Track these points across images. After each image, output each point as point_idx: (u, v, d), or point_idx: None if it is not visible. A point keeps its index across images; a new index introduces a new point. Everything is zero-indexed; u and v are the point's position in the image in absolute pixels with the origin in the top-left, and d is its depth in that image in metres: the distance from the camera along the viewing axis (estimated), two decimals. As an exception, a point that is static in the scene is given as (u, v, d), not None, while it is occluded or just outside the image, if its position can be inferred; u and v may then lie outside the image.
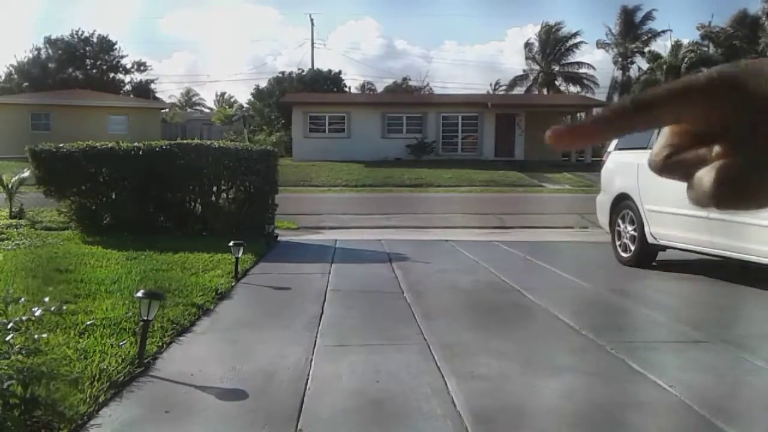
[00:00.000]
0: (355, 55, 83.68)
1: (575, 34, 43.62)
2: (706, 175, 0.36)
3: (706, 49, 32.84)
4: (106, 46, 44.37)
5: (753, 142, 0.35)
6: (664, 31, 41.82)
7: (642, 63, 41.71)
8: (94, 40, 43.79)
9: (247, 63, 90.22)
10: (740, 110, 0.35)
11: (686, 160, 0.38)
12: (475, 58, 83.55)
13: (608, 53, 44.25)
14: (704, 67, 30.02)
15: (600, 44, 43.76)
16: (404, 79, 50.56)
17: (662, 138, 0.39)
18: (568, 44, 43.84)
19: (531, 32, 47.79)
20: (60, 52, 42.25)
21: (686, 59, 31.84)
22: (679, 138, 0.38)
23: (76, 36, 43.38)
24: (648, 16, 41.76)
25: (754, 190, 0.35)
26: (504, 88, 46.65)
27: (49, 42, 42.64)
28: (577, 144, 0.38)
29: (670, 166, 0.39)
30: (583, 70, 43.75)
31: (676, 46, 36.14)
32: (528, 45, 44.69)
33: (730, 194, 0.35)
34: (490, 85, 51.49)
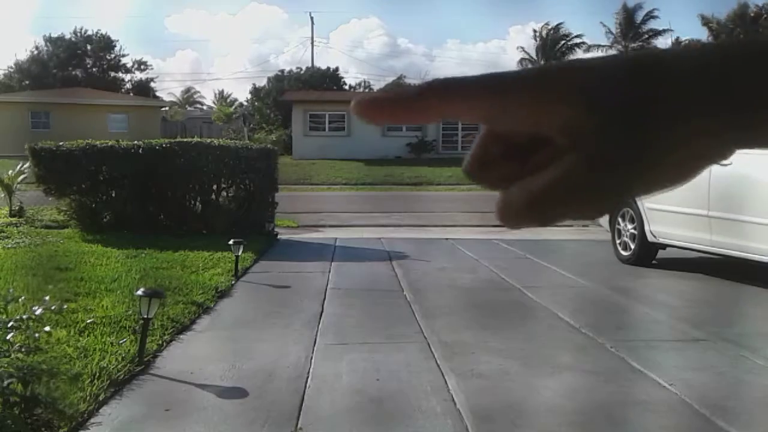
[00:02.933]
0: (358, 54, 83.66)
1: (578, 35, 43.65)
2: (518, 191, 0.32)
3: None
4: (106, 45, 44.35)
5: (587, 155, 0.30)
6: (665, 30, 41.78)
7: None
8: (95, 38, 43.78)
9: (250, 61, 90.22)
10: (575, 119, 0.30)
11: (501, 171, 0.34)
12: (478, 57, 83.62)
13: (604, 53, 44.12)
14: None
15: (596, 47, 43.65)
16: (399, 77, 50.49)
17: (477, 141, 0.35)
18: (567, 43, 43.84)
19: (532, 30, 47.58)
20: (60, 50, 42.25)
21: None
22: (494, 143, 0.34)
23: (78, 34, 43.39)
24: (650, 15, 41.74)
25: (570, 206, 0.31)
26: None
27: (50, 40, 42.64)
28: (382, 120, 0.32)
29: (483, 177, 0.35)
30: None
31: (677, 44, 36.11)
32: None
33: (538, 212, 0.31)
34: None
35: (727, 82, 0.29)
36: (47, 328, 2.66)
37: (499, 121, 0.33)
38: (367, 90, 46.39)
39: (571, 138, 0.30)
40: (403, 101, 0.32)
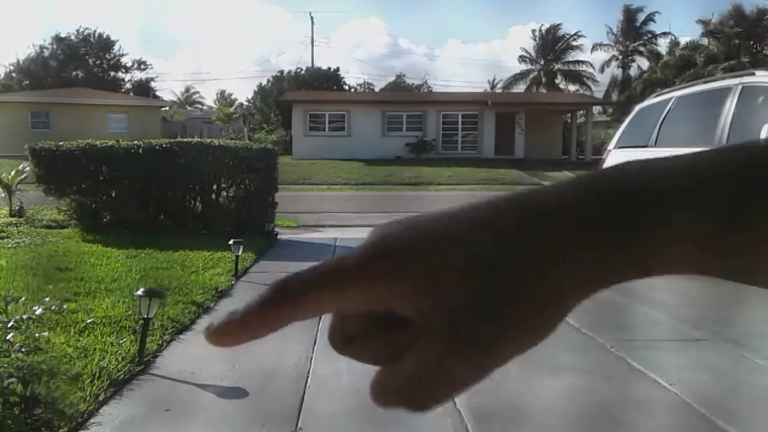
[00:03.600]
0: (360, 54, 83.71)
1: (575, 35, 43.68)
2: (391, 374, 0.30)
3: (712, 48, 32.82)
4: (106, 44, 44.38)
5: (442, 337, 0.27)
6: (665, 33, 41.80)
7: (642, 62, 41.72)
8: (93, 39, 43.83)
9: (251, 61, 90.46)
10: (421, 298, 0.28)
11: (368, 349, 0.31)
12: (479, 57, 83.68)
13: (605, 52, 44.20)
14: (714, 64, 29.99)
15: (598, 47, 43.70)
16: (398, 76, 50.54)
17: (333, 318, 0.32)
18: (567, 43, 43.85)
19: (531, 30, 47.72)
20: (59, 52, 42.31)
21: (699, 57, 31.81)
22: (354, 321, 0.31)
23: (80, 34, 43.48)
24: (650, 17, 41.76)
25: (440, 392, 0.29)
26: (501, 84, 46.64)
27: (58, 39, 42.71)
28: (238, 341, 0.30)
29: (350, 353, 0.32)
30: (583, 68, 43.75)
31: (674, 44, 36.11)
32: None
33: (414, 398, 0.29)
34: (488, 82, 51.49)
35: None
36: (45, 334, 2.66)
37: (352, 309, 0.31)
38: (368, 91, 46.38)
39: (425, 323, 0.28)
40: (251, 319, 0.30)
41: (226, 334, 0.30)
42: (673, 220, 0.27)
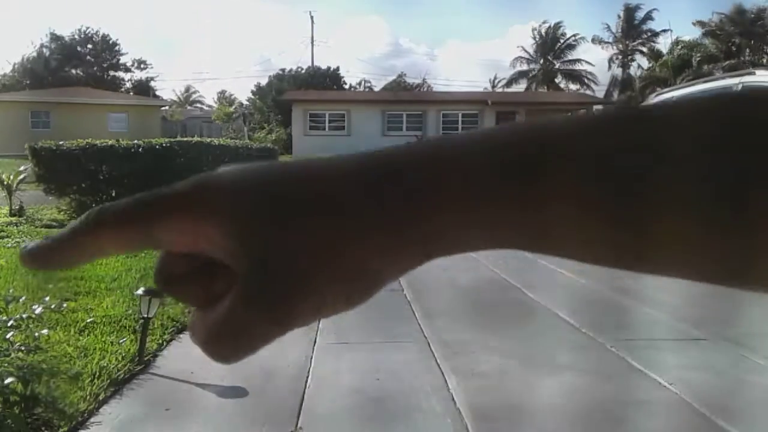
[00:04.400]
0: (360, 53, 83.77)
1: (574, 35, 43.71)
2: (201, 321, 0.28)
3: (710, 47, 32.82)
4: (106, 44, 44.40)
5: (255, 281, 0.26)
6: (664, 31, 41.84)
7: (643, 61, 41.73)
8: (96, 40, 43.86)
9: (251, 61, 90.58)
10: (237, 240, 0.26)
11: (189, 290, 0.30)
12: (480, 56, 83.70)
13: (605, 50, 44.21)
14: (711, 63, 29.99)
15: (597, 41, 43.73)
16: (399, 75, 50.60)
17: (159, 259, 0.30)
18: (567, 42, 43.87)
19: (532, 29, 47.75)
20: (57, 51, 42.32)
21: (696, 57, 31.81)
22: (176, 261, 0.30)
23: (83, 33, 43.49)
24: (648, 16, 41.77)
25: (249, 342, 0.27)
26: (503, 83, 46.64)
27: (54, 37, 42.73)
28: (50, 266, 0.30)
29: (172, 293, 0.30)
30: (582, 67, 43.76)
31: (675, 44, 36.10)
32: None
33: (222, 347, 0.27)
34: (489, 80, 51.52)
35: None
36: (45, 331, 2.66)
37: (161, 245, 0.28)
38: (367, 90, 46.43)
39: (234, 266, 0.27)
40: (63, 245, 0.29)
41: (38, 257, 0.30)
42: (447, 189, 0.27)
